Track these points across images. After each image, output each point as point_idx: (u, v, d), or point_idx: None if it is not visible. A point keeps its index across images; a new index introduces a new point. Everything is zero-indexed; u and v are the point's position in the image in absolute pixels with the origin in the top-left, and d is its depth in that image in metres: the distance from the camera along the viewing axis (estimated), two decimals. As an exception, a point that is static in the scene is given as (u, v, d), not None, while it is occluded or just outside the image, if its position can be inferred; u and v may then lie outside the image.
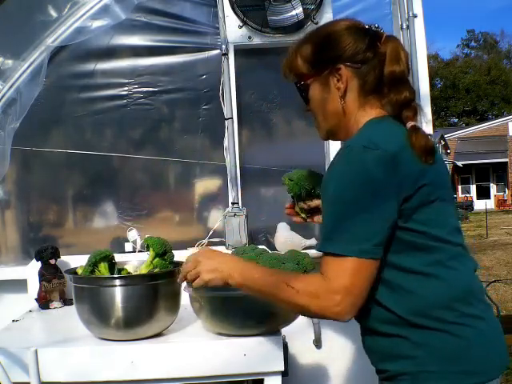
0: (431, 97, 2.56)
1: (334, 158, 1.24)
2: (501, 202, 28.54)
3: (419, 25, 2.52)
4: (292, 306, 1.23)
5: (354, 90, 1.29)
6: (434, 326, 1.19)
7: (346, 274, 1.15)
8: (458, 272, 1.24)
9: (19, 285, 2.32)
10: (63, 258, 2.25)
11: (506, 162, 28.85)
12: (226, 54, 2.55)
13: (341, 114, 1.31)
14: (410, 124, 1.23)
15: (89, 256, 1.72)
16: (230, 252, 1.73)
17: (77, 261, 1.93)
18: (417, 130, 1.22)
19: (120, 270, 1.78)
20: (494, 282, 6.40)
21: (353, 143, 1.22)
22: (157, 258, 1.73)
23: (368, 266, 1.16)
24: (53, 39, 2.48)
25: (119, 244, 2.50)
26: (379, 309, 1.23)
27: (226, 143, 2.56)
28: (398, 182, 1.16)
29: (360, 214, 1.15)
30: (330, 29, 1.33)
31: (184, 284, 1.56)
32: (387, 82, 1.27)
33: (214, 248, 1.42)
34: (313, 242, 2.45)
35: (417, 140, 1.20)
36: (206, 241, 2.52)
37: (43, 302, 2.14)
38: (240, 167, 2.57)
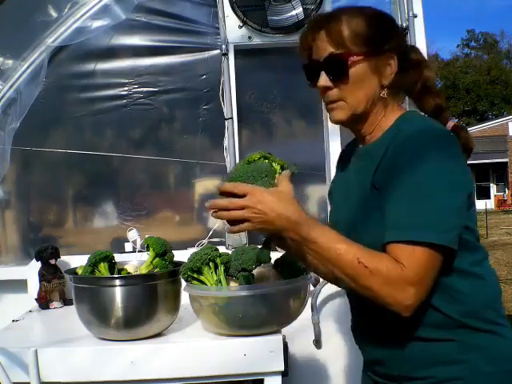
0: (431, 97, 2.56)
1: (404, 144, 1.16)
2: (501, 202, 28.54)
3: (419, 25, 2.52)
4: (356, 284, 1.10)
5: (393, 84, 1.26)
6: (483, 327, 1.17)
7: (422, 265, 1.08)
8: (492, 272, 1.25)
9: (19, 285, 2.32)
10: (63, 257, 2.25)
11: (506, 162, 28.85)
12: (226, 54, 2.55)
13: (374, 102, 1.24)
14: (452, 123, 1.28)
15: (89, 256, 1.72)
16: (230, 252, 1.73)
17: (77, 261, 1.93)
18: (464, 127, 1.30)
19: (120, 270, 1.78)
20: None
21: (423, 127, 1.18)
22: (157, 258, 1.73)
23: (441, 258, 1.10)
24: (53, 39, 2.48)
25: (119, 244, 2.50)
26: (430, 311, 1.17)
27: (225, 143, 2.56)
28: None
29: (447, 201, 1.10)
30: (384, 16, 1.28)
31: (184, 284, 1.56)
32: (425, 85, 1.29)
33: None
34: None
35: (467, 136, 1.26)
36: (206, 241, 2.52)
37: (43, 301, 2.14)
38: (240, 167, 2.57)
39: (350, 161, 1.37)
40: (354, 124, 1.29)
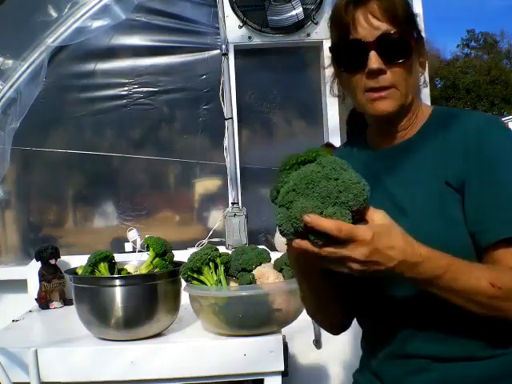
0: (431, 97, 2.56)
1: (484, 135, 1.03)
2: (501, 202, 28.50)
3: (419, 25, 2.51)
4: (485, 308, 0.96)
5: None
6: None
7: None
8: None
9: (19, 285, 2.32)
10: (63, 257, 2.25)
11: (506, 162, 28.86)
12: (226, 54, 2.55)
13: (415, 93, 1.12)
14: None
15: (89, 256, 1.72)
16: (230, 252, 1.73)
17: (77, 261, 1.93)
18: None
19: (120, 270, 1.78)
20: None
21: (487, 117, 1.09)
22: (157, 258, 1.73)
23: None
24: (53, 39, 2.48)
25: (119, 244, 2.50)
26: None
27: (225, 143, 2.56)
28: None
29: None
30: None
31: (185, 285, 1.52)
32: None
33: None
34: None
35: None
36: (206, 241, 2.52)
37: (43, 301, 2.14)
38: (240, 167, 2.57)
39: (368, 167, 1.15)
40: (396, 118, 1.11)
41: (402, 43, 1.06)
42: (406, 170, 1.11)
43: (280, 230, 0.90)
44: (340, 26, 1.08)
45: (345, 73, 1.10)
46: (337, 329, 1.24)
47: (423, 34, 1.11)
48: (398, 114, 1.09)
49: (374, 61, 1.04)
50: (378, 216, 0.90)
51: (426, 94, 2.48)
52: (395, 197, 1.10)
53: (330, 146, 1.32)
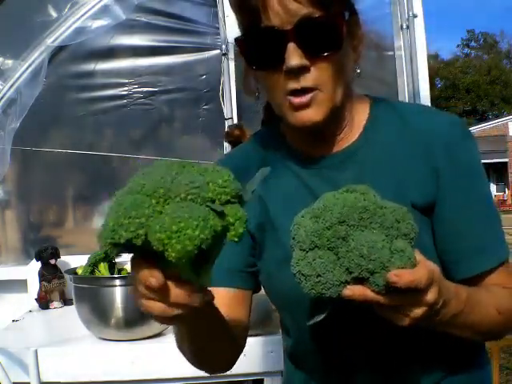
0: (431, 97, 2.56)
1: (451, 147, 0.86)
2: (501, 202, 28.52)
3: (419, 25, 2.52)
4: (489, 334, 0.87)
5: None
6: None
7: None
8: None
9: (19, 285, 2.32)
10: (63, 258, 2.25)
11: (506, 162, 28.85)
12: (225, 54, 2.55)
13: (346, 88, 0.87)
14: None
15: (89, 256, 1.72)
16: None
17: (77, 261, 1.93)
18: None
19: (120, 270, 1.78)
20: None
21: (451, 120, 0.90)
22: (157, 258, 1.73)
23: None
24: (53, 39, 2.48)
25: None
26: None
27: (226, 143, 2.56)
28: None
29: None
30: None
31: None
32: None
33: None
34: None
35: None
36: (205, 241, 2.52)
37: (43, 301, 2.14)
38: (240, 167, 2.57)
39: (304, 184, 0.91)
40: (326, 124, 0.86)
41: (330, 29, 0.80)
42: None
43: (317, 283, 0.66)
44: (246, 11, 0.81)
45: (259, 71, 0.87)
46: (224, 367, 0.96)
47: (356, 8, 0.85)
48: (328, 120, 0.85)
49: (292, 56, 0.79)
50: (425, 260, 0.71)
51: (426, 95, 2.48)
52: None
53: (241, 129, 1.12)
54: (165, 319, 0.63)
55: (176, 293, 0.59)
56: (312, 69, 0.80)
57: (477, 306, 0.80)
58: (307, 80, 0.80)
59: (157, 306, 0.61)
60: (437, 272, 0.70)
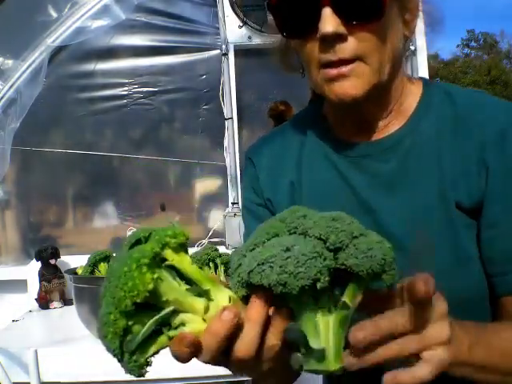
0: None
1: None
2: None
3: (419, 25, 2.51)
4: None
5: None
6: None
7: None
8: None
9: (19, 285, 2.32)
10: (63, 258, 2.25)
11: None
12: (226, 54, 2.55)
13: (398, 63, 0.78)
14: None
15: (89, 256, 1.72)
16: (230, 252, 1.72)
17: (77, 261, 1.93)
18: None
19: (120, 270, 1.78)
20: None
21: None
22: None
23: None
24: (53, 39, 2.48)
25: (119, 244, 2.49)
26: None
27: (225, 143, 2.56)
28: None
29: None
30: None
31: None
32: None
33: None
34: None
35: None
36: (206, 241, 2.52)
37: (43, 301, 2.14)
38: (240, 167, 2.57)
39: (339, 172, 0.83)
40: (368, 104, 0.77)
41: None
42: (396, 184, 0.78)
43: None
44: None
45: (291, 39, 0.78)
46: None
47: (421, 25, 0.79)
48: (370, 98, 0.75)
49: (327, 21, 0.70)
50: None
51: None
52: (381, 222, 0.77)
53: (286, 104, 1.08)
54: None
55: None
56: (350, 38, 0.71)
57: (503, 343, 0.65)
58: (345, 51, 0.71)
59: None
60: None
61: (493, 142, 0.74)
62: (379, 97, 0.77)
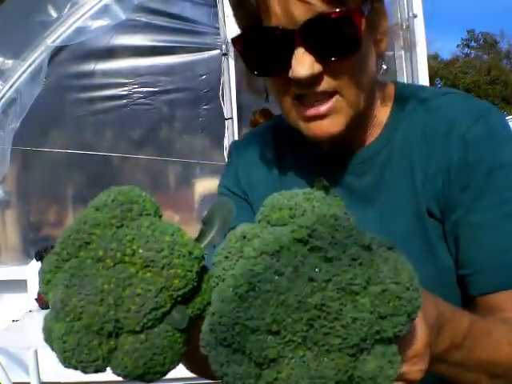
0: (431, 97, 2.56)
1: (470, 149, 0.72)
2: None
3: (419, 25, 2.52)
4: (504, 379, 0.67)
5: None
6: None
7: None
8: None
9: (19, 285, 2.32)
10: (63, 258, 2.25)
11: (506, 162, 28.92)
12: (226, 54, 2.55)
13: (371, 89, 0.73)
14: None
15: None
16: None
17: (77, 261, 1.93)
18: None
19: (120, 270, 1.78)
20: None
21: (484, 110, 0.75)
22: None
23: None
24: (53, 39, 2.49)
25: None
26: None
27: (225, 143, 2.56)
28: None
29: None
30: None
31: None
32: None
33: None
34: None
35: None
36: (205, 241, 2.52)
37: (43, 302, 2.14)
38: (240, 167, 2.57)
39: (310, 174, 0.81)
40: (346, 132, 0.72)
41: (346, 28, 0.65)
42: (371, 198, 0.77)
43: None
44: (245, 7, 0.66)
45: (262, 77, 0.74)
46: None
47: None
48: (350, 127, 0.71)
49: (300, 64, 0.65)
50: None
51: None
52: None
53: (266, 114, 1.07)
54: None
55: None
56: (326, 74, 0.67)
57: (484, 337, 0.62)
58: (320, 86, 0.67)
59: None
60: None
61: (455, 150, 0.72)
62: (356, 122, 0.73)
